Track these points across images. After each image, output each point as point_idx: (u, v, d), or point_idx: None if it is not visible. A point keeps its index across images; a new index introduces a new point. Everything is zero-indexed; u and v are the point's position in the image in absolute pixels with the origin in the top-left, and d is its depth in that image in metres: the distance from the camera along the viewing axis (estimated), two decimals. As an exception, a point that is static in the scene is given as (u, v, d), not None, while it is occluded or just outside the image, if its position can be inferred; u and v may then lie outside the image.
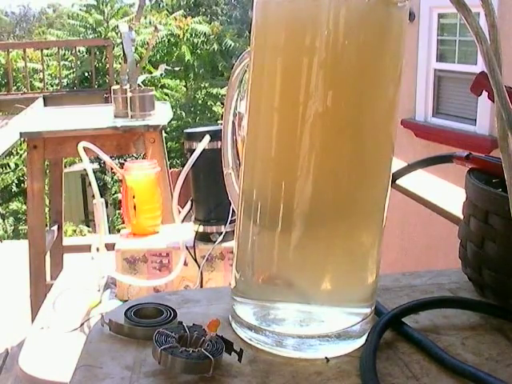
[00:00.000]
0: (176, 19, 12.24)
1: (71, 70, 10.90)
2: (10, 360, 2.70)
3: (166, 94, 11.49)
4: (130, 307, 0.52)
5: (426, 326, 0.51)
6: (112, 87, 2.75)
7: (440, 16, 4.96)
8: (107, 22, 11.98)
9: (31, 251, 2.61)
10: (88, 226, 10.02)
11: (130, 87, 2.57)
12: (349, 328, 0.47)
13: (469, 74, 4.57)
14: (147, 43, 9.89)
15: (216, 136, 1.44)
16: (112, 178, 10.13)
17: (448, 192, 1.82)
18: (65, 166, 3.98)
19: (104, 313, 0.53)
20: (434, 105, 5.06)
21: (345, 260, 0.47)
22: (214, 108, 11.96)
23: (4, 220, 9.87)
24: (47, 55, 10.54)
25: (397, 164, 0.53)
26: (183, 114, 11.59)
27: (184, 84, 12.09)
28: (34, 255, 2.61)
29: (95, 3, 12.22)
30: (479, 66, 4.40)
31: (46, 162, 2.98)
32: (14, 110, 6.68)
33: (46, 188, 3.59)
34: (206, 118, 11.68)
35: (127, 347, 0.48)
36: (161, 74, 10.24)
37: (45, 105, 6.83)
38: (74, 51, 9.88)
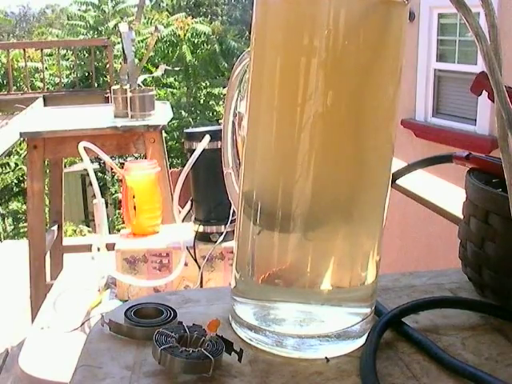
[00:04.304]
0: (177, 19, 12.24)
1: (71, 70, 10.90)
2: (10, 360, 2.70)
3: (167, 94, 11.49)
4: (130, 307, 0.52)
5: (426, 326, 0.51)
6: (112, 87, 2.75)
7: (440, 16, 4.96)
8: (107, 22, 11.98)
9: (31, 251, 2.62)
10: (88, 226, 10.02)
11: (130, 87, 2.57)
12: (349, 328, 0.47)
13: (469, 73, 4.57)
14: (147, 43, 9.89)
15: (216, 136, 1.44)
16: (112, 178, 10.13)
17: (448, 192, 1.83)
18: (65, 166, 3.98)
19: (104, 313, 0.53)
20: (434, 105, 5.06)
21: (345, 260, 0.47)
22: (216, 108, 11.95)
23: (4, 220, 9.88)
24: (47, 55, 10.54)
25: (397, 164, 0.53)
26: (184, 114, 11.58)
27: (185, 84, 12.09)
28: (33, 255, 2.61)
29: (96, 2, 12.22)
30: (479, 66, 4.40)
31: (46, 162, 2.98)
32: (14, 109, 6.67)
33: (46, 188, 3.59)
34: (207, 118, 11.67)
35: (127, 347, 0.48)
36: (162, 75, 10.24)
37: (45, 105, 6.82)
38: (74, 51, 9.87)
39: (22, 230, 9.41)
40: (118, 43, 8.75)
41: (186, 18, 12.34)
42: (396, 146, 0.48)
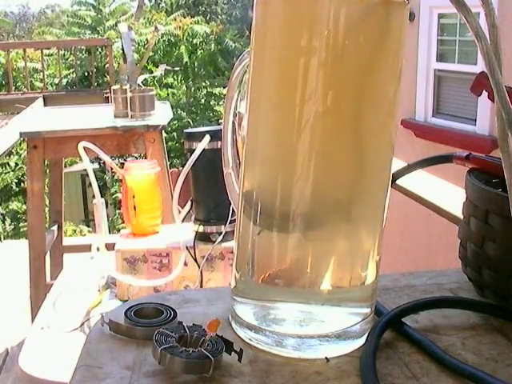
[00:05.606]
0: (175, 19, 12.22)
1: (71, 70, 10.89)
2: (9, 360, 2.70)
3: (168, 94, 11.49)
4: (130, 307, 0.52)
5: (426, 326, 0.51)
6: (112, 87, 2.75)
7: (440, 16, 4.96)
8: (105, 21, 11.96)
9: (31, 251, 2.62)
10: (88, 226, 10.01)
11: (130, 87, 2.57)
12: (349, 328, 0.47)
13: (469, 73, 4.57)
14: (147, 43, 9.88)
15: (216, 136, 1.44)
16: (112, 178, 10.12)
17: (448, 192, 1.83)
18: (65, 166, 3.98)
19: (104, 313, 0.53)
20: (434, 105, 5.06)
21: (345, 260, 0.47)
22: (217, 108, 11.94)
23: (4, 220, 9.87)
24: (47, 55, 10.54)
25: (397, 164, 0.53)
26: (184, 114, 11.58)
27: (185, 84, 12.08)
28: (33, 255, 2.61)
29: (94, 2, 12.21)
30: (479, 66, 4.40)
31: (46, 162, 2.98)
32: (14, 109, 6.68)
33: (46, 188, 3.59)
34: (207, 118, 11.67)
35: (127, 347, 0.48)
36: (161, 74, 10.24)
37: (45, 105, 6.82)
38: (73, 51, 9.87)
39: (21, 230, 9.40)
40: (117, 42, 8.75)
41: (184, 17, 12.33)
42: (396, 146, 0.48)
